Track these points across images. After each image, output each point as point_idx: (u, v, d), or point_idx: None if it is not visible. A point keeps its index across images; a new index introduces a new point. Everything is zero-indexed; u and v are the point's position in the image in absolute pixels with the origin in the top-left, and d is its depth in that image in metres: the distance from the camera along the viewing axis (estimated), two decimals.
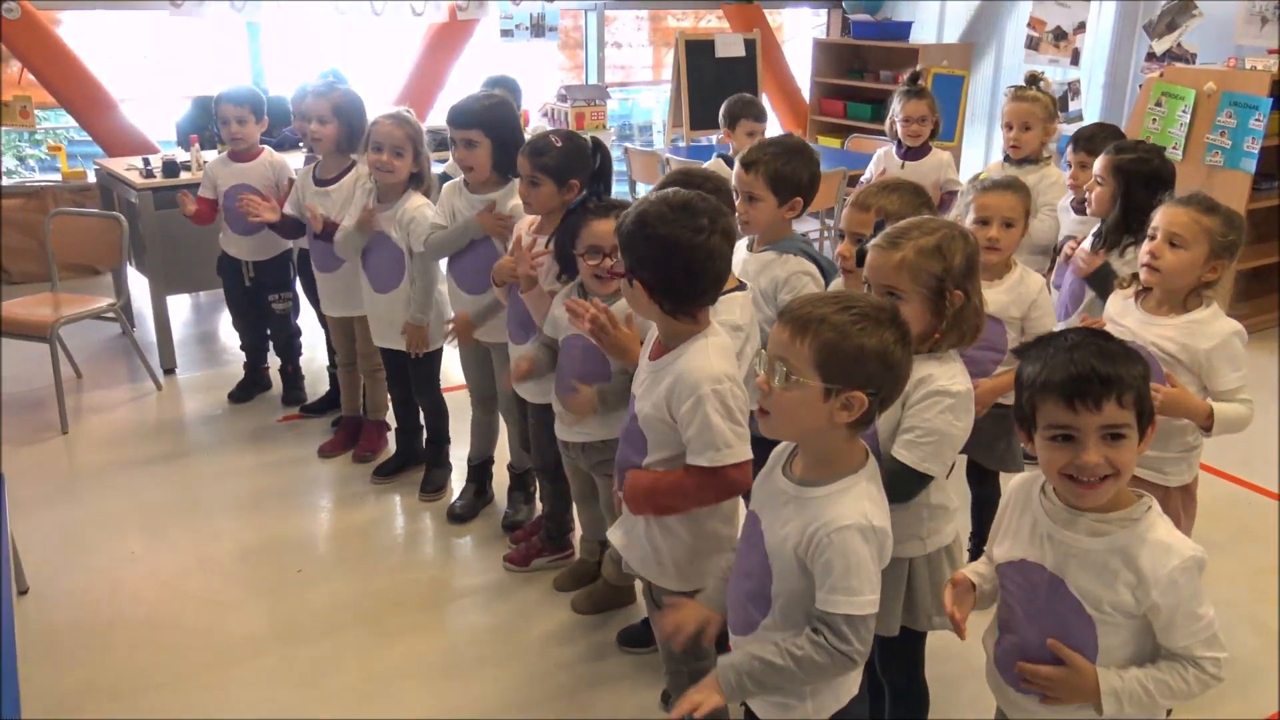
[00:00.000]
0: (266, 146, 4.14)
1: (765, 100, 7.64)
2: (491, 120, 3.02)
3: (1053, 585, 1.57)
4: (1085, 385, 1.43)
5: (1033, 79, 3.91)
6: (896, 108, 4.14)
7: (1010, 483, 1.73)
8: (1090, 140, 3.42)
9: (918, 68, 4.57)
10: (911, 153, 4.17)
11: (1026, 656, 1.61)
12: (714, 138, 6.93)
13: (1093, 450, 1.45)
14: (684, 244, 1.90)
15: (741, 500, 2.08)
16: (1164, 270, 2.32)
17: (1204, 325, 2.30)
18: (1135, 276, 2.44)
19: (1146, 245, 2.36)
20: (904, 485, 1.86)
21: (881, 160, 4.32)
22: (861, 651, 1.57)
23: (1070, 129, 4.67)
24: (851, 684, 1.70)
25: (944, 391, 1.86)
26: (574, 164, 2.69)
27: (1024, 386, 1.52)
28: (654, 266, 1.94)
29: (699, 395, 1.93)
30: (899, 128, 4.13)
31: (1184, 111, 5.28)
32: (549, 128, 5.80)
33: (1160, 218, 2.35)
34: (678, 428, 1.99)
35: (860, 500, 1.59)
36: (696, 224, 1.91)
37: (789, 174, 2.57)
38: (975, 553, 2.94)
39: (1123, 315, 2.43)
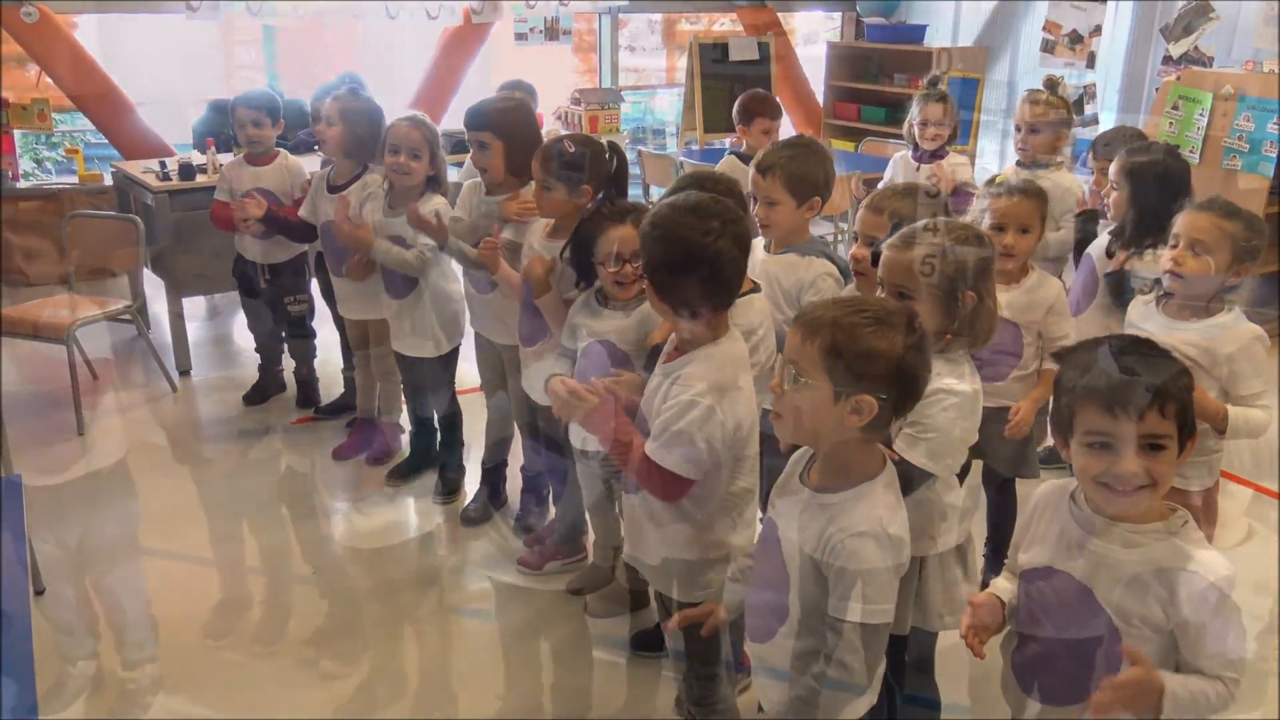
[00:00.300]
0: (282, 150, 4.15)
1: None
2: (503, 123, 3.02)
3: (1080, 595, 1.55)
4: (1128, 393, 1.41)
5: (1052, 84, 3.88)
6: (915, 111, 4.10)
7: (1039, 489, 1.71)
8: (1110, 146, 3.41)
9: (937, 71, 4.54)
10: (927, 157, 4.14)
11: (1049, 666, 1.59)
12: (728, 141, 6.91)
13: (1131, 459, 1.43)
14: (693, 246, 1.89)
15: (758, 507, 2.07)
16: (1187, 276, 2.30)
17: (1225, 329, 2.29)
18: (1157, 282, 2.42)
19: (1168, 252, 2.35)
20: (904, 481, 1.85)
21: (898, 164, 4.30)
22: (865, 660, 1.56)
23: (1085, 133, 4.63)
24: (870, 692, 1.68)
25: (949, 390, 1.86)
26: (586, 169, 2.69)
27: (1064, 391, 1.50)
28: (663, 268, 1.93)
29: (681, 400, 1.91)
30: (916, 131, 4.10)
31: (1201, 115, 5.24)
32: (563, 131, 5.81)
33: (1182, 224, 2.34)
34: None
35: (876, 508, 1.58)
36: (706, 226, 1.89)
37: (805, 174, 2.56)
38: (991, 558, 2.92)
39: (1144, 320, 2.41)
